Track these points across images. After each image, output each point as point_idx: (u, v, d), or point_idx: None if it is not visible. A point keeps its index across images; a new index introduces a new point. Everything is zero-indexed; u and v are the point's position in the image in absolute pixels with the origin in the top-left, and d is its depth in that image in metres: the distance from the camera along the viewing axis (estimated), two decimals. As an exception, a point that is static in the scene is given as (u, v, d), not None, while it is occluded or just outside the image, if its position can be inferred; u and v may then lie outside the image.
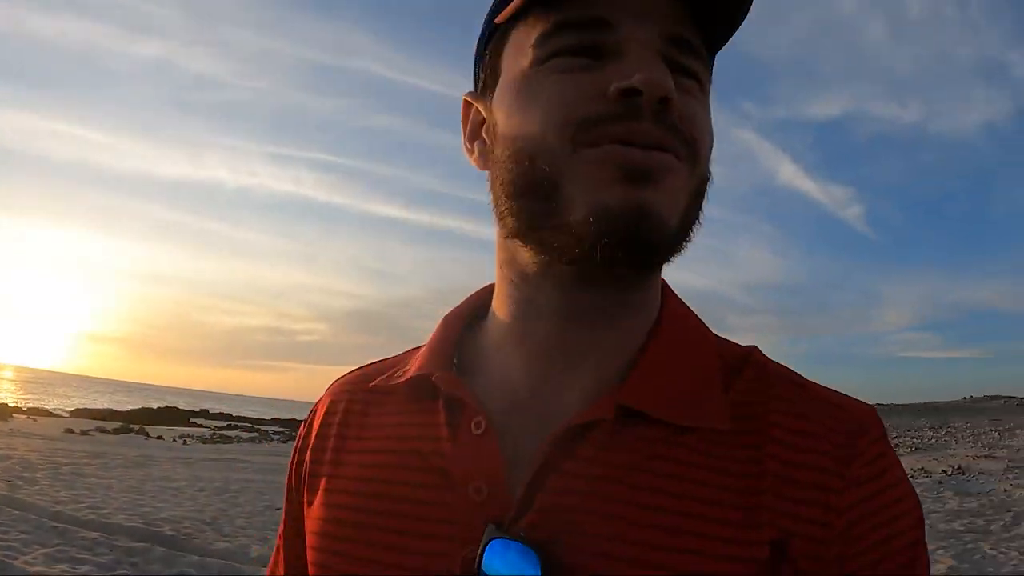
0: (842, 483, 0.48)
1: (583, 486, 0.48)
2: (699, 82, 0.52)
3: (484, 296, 0.63)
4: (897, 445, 18.98)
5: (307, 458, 0.62)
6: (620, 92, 0.46)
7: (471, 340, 0.60)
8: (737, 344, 0.59)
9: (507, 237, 0.54)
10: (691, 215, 0.51)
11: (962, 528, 7.72)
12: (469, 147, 0.59)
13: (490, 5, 0.57)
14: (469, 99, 0.60)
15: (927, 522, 0.53)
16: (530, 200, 0.49)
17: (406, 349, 0.67)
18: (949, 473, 13.24)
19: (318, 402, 0.67)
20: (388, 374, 0.62)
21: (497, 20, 0.54)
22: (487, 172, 0.56)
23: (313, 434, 0.63)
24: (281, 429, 31.04)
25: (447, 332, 0.61)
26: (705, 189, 0.53)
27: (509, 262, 0.55)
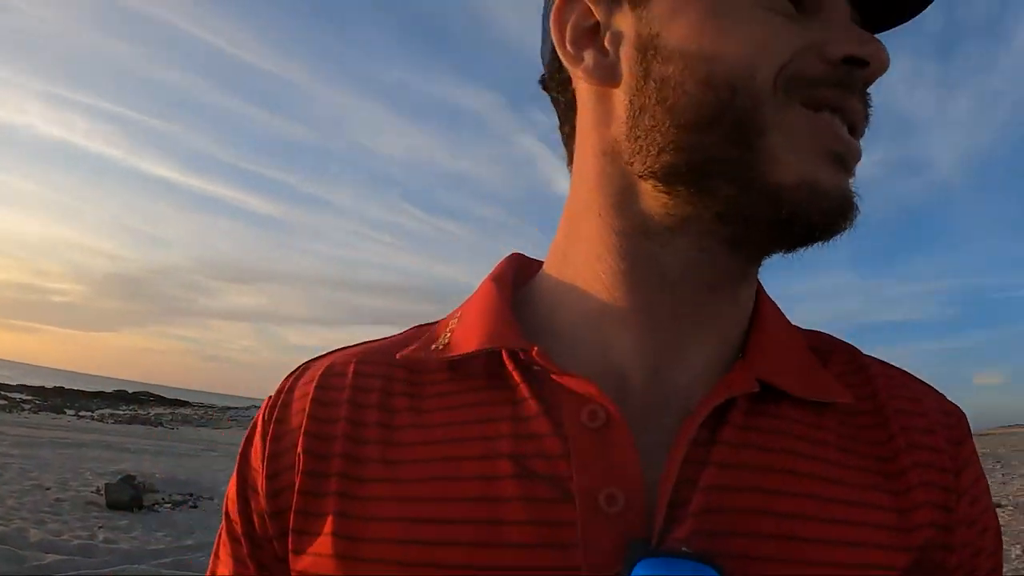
0: (956, 489, 0.45)
1: (742, 479, 0.41)
2: None
3: (520, 263, 0.55)
4: None
5: (294, 473, 0.46)
6: (844, 58, 0.41)
7: (528, 310, 0.50)
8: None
9: (643, 175, 0.44)
10: None
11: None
12: (575, 54, 0.47)
13: None
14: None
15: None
16: (716, 137, 0.41)
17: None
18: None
19: (292, 385, 0.50)
20: (414, 347, 0.49)
21: None
22: (595, 93, 0.47)
23: (301, 434, 0.47)
24: (30, 397, 27.89)
25: (503, 294, 0.49)
26: None
27: (623, 208, 0.45)
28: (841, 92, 0.42)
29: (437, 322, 0.53)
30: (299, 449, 0.46)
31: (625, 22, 0.46)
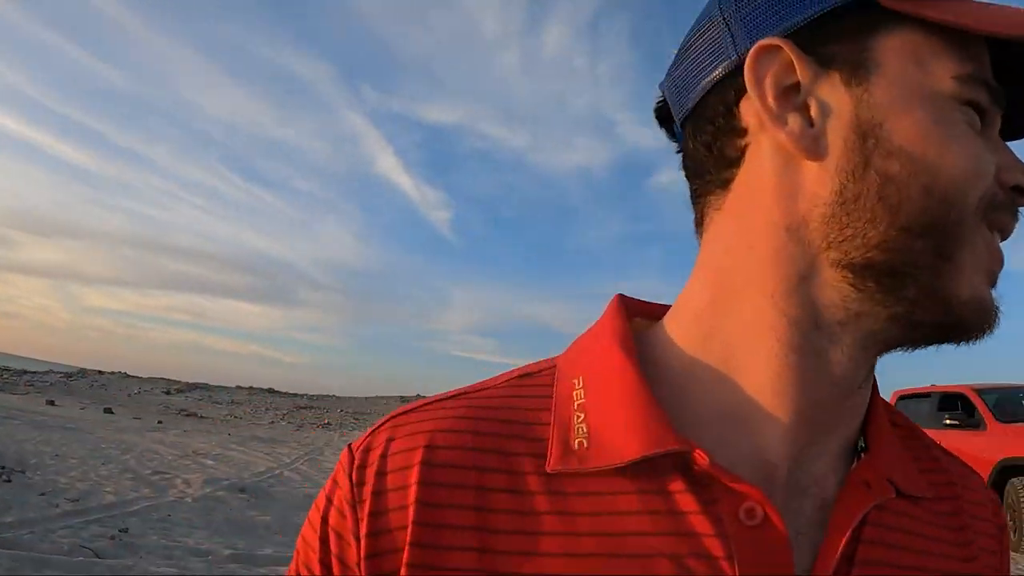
0: (1002, 571, 0.51)
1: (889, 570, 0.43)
2: None
3: (629, 311, 0.53)
4: None
5: (400, 562, 0.42)
6: (1014, 187, 0.44)
7: (661, 384, 0.47)
8: None
9: (835, 264, 0.43)
10: None
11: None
12: (777, 116, 0.44)
13: None
14: (784, 50, 0.44)
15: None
16: (926, 245, 0.42)
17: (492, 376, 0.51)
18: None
19: (384, 450, 0.46)
20: (533, 431, 0.46)
21: (902, 7, 0.43)
22: (789, 157, 0.45)
23: (411, 524, 0.43)
24: None
25: (639, 371, 0.46)
26: None
27: (800, 294, 0.44)
28: (1011, 218, 0.45)
29: (548, 377, 0.49)
30: (409, 540, 0.42)
31: (835, 96, 0.44)
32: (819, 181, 0.44)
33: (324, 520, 0.46)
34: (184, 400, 28.11)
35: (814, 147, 0.44)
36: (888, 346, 0.45)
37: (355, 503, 0.45)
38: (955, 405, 8.93)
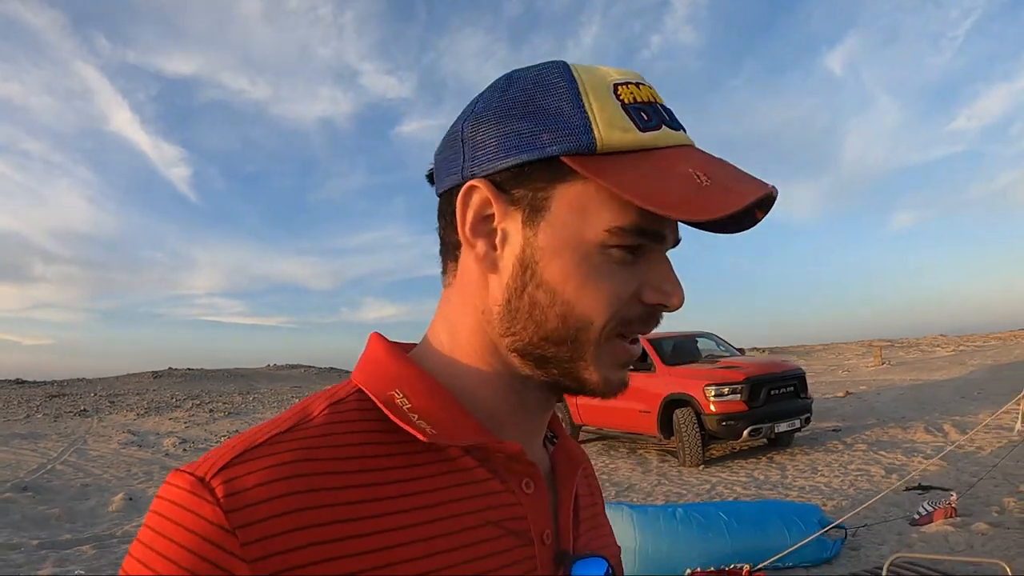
0: None
1: (585, 513, 0.69)
2: None
3: (401, 359, 0.63)
4: (212, 410, 21.72)
5: None
6: (657, 305, 0.59)
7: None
8: None
9: (510, 350, 0.60)
10: None
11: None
12: (470, 239, 0.60)
13: (550, 114, 0.57)
14: (483, 190, 0.59)
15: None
16: (558, 350, 0.58)
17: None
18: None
19: (244, 490, 0.48)
20: (338, 444, 0.54)
21: (581, 170, 0.55)
22: (480, 269, 0.61)
23: (308, 547, 0.48)
24: None
25: (441, 386, 0.61)
26: None
27: (498, 355, 0.61)
28: (646, 326, 0.60)
29: (357, 399, 0.58)
30: (310, 560, 0.48)
31: (514, 231, 0.58)
32: (497, 289, 0.59)
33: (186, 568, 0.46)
34: (-85, 402, 25.58)
35: (493, 266, 0.60)
36: (555, 393, 0.64)
37: (233, 541, 0.46)
38: (635, 353, 11.09)
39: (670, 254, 0.62)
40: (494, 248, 0.60)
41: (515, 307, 0.59)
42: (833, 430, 11.50)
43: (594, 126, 0.55)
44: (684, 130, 0.61)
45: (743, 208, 0.53)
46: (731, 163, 0.59)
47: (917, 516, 6.16)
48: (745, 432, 9.28)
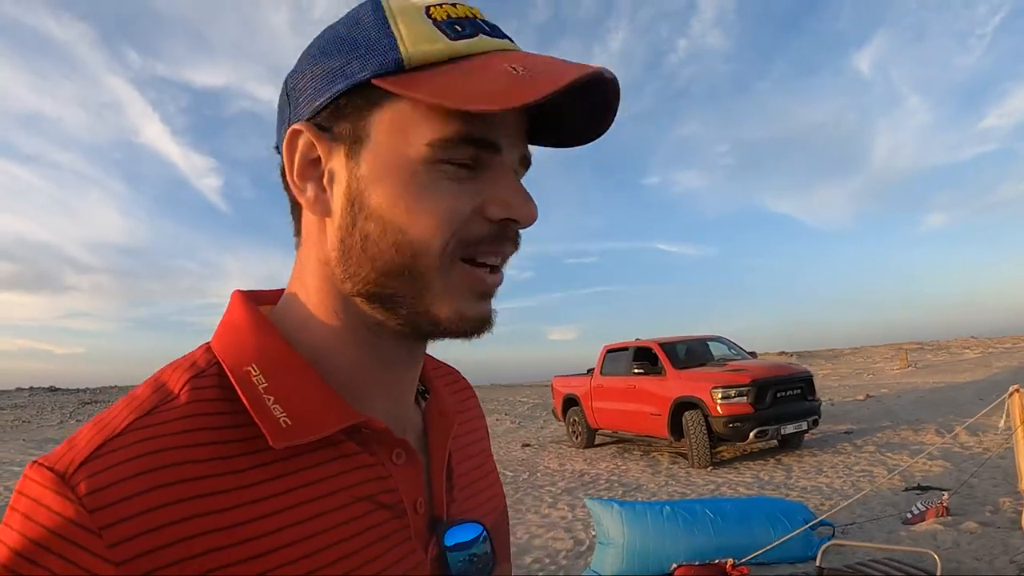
0: None
1: (463, 478, 0.69)
2: None
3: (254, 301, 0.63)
4: None
5: None
6: (501, 219, 0.56)
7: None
8: None
9: (355, 295, 0.57)
10: None
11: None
12: (299, 185, 0.58)
13: (359, 44, 0.55)
14: (305, 132, 0.57)
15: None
16: (400, 283, 0.55)
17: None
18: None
19: (107, 483, 0.46)
20: (219, 430, 0.53)
21: (391, 88, 0.53)
22: (316, 216, 0.59)
23: (168, 546, 0.46)
24: None
25: (298, 355, 0.58)
26: None
27: (347, 308, 0.58)
28: (496, 245, 0.57)
29: (215, 374, 0.56)
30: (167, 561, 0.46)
31: (339, 167, 0.56)
32: (332, 234, 0.57)
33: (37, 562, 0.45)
34: (-42, 408, 26.46)
35: (324, 209, 0.58)
36: (416, 340, 0.61)
37: (98, 542, 0.45)
38: (645, 356, 11.19)
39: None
40: (323, 190, 0.58)
41: (349, 246, 0.57)
42: (846, 432, 11.52)
43: (400, 44, 0.54)
44: (510, 39, 0.59)
45: (563, 87, 0.50)
46: (562, 59, 0.56)
47: (910, 515, 6.26)
48: (751, 434, 9.37)
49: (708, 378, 9.88)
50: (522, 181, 0.59)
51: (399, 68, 0.53)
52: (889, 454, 9.34)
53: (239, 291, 0.64)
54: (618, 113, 0.59)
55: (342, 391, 0.59)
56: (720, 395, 9.50)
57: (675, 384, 10.27)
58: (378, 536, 0.57)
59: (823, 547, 5.03)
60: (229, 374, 0.56)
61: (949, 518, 6.06)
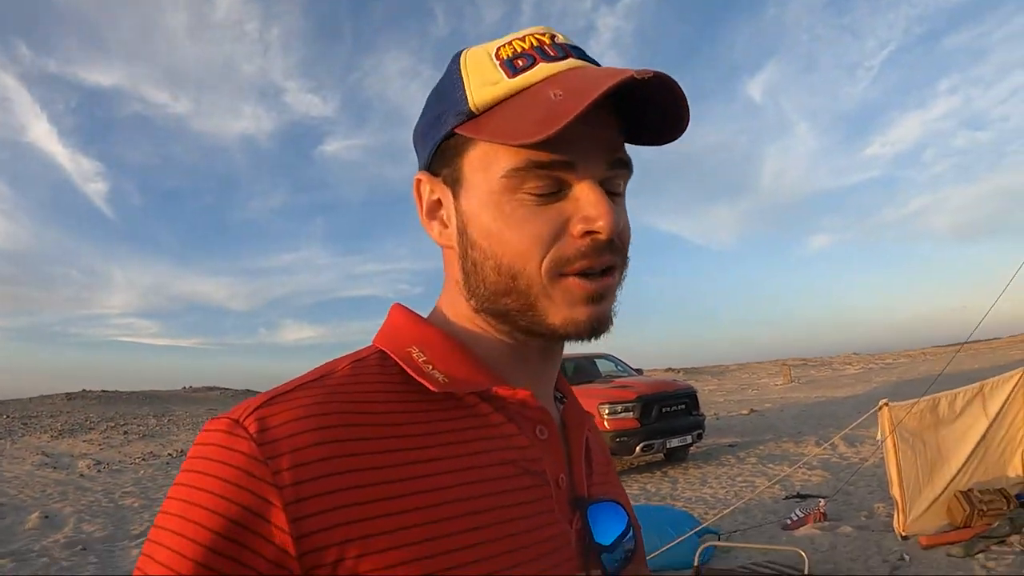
0: None
1: (599, 464, 0.73)
2: (624, 191, 0.65)
3: (417, 318, 0.70)
4: (126, 432, 20.68)
5: (335, 533, 0.51)
6: (585, 233, 0.60)
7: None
8: None
9: (479, 311, 0.65)
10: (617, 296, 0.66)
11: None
12: (428, 224, 0.68)
13: (446, 97, 0.64)
14: (424, 180, 0.68)
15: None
16: (508, 301, 0.62)
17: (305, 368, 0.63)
18: (175, 456, 16.02)
19: (282, 434, 0.53)
20: (367, 388, 0.60)
21: (466, 133, 0.61)
22: (446, 253, 0.69)
23: (339, 491, 0.52)
24: None
25: (461, 343, 0.66)
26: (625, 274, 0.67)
27: (484, 321, 0.66)
28: (587, 260, 0.60)
29: (377, 359, 0.64)
30: (344, 501, 0.52)
31: (449, 204, 0.66)
32: (456, 261, 0.67)
33: (257, 535, 0.50)
34: None
35: (448, 242, 0.67)
36: (548, 342, 0.67)
37: (265, 469, 0.51)
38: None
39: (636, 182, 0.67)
40: (445, 226, 0.67)
41: (466, 271, 0.65)
42: (729, 445, 11.74)
43: (468, 92, 0.62)
44: (576, 57, 0.63)
45: (586, 108, 0.54)
46: (607, 67, 0.61)
47: (789, 521, 6.30)
48: (638, 448, 9.41)
49: (596, 394, 9.88)
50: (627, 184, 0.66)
51: (471, 114, 0.61)
52: (771, 465, 9.51)
53: (398, 303, 0.72)
54: (689, 109, 0.62)
55: (500, 373, 0.66)
56: (607, 410, 9.51)
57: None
58: (525, 498, 0.60)
59: (701, 547, 4.99)
60: (392, 355, 0.64)
61: (827, 523, 6.14)
